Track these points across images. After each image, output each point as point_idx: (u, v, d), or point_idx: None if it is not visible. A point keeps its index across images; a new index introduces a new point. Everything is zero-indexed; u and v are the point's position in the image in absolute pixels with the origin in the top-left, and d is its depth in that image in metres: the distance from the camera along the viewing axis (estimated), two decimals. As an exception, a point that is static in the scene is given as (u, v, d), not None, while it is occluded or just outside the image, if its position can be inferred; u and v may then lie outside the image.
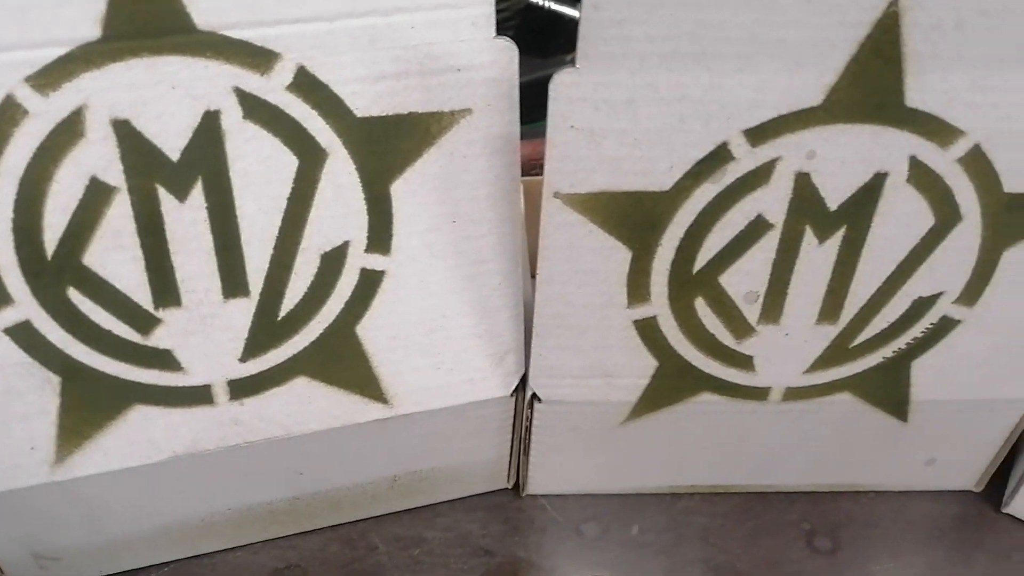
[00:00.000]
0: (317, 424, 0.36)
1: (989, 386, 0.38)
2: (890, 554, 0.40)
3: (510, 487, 0.43)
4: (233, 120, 0.29)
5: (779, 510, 0.42)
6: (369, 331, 0.35)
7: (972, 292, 0.34)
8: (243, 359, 0.34)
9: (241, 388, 0.34)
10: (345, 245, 0.33)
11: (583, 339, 0.35)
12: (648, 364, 0.36)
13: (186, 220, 0.30)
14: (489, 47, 0.30)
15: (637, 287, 0.34)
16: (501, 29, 0.30)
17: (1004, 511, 0.42)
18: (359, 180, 0.32)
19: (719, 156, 0.31)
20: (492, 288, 0.35)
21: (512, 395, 0.38)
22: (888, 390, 0.38)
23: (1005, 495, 0.42)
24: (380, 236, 0.33)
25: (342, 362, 0.35)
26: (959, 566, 0.40)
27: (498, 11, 0.30)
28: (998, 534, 0.42)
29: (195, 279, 0.32)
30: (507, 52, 0.31)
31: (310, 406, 0.35)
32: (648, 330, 0.35)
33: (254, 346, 0.34)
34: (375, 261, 0.33)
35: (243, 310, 0.33)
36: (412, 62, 0.30)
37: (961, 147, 0.31)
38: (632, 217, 0.32)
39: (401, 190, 0.32)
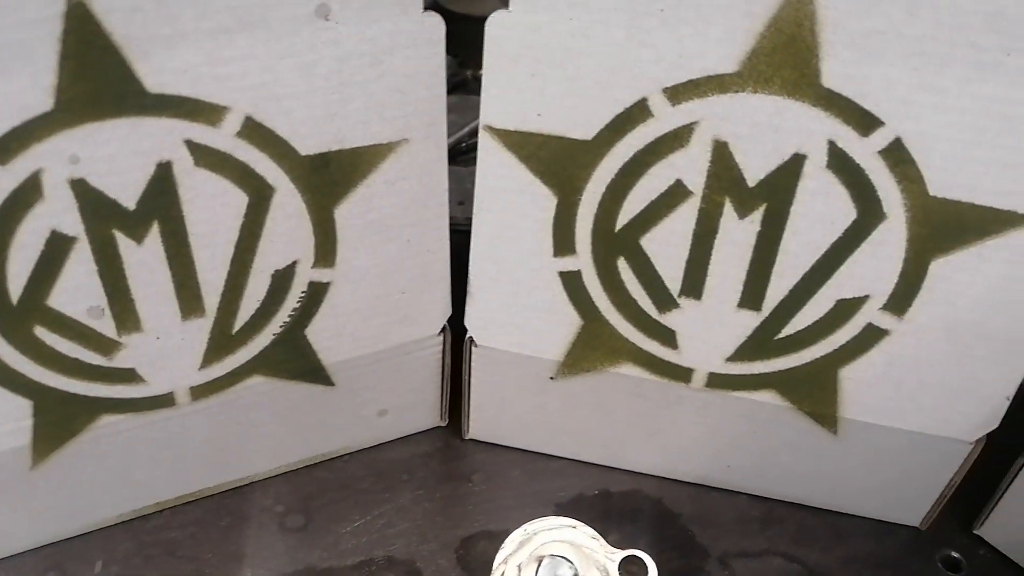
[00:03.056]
0: None
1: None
2: (360, 511, 0.41)
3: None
4: None
5: (252, 501, 0.42)
6: None
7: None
8: None
9: None
10: None
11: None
12: (23, 405, 0.34)
13: None
14: None
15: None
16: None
17: (467, 438, 0.45)
18: None
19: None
20: None
21: None
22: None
23: (463, 422, 0.44)
24: None
25: None
26: (424, 502, 0.42)
27: None
28: (462, 460, 0.44)
29: None
30: None
31: None
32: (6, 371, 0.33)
33: None
34: None
35: None
36: None
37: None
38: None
39: None
